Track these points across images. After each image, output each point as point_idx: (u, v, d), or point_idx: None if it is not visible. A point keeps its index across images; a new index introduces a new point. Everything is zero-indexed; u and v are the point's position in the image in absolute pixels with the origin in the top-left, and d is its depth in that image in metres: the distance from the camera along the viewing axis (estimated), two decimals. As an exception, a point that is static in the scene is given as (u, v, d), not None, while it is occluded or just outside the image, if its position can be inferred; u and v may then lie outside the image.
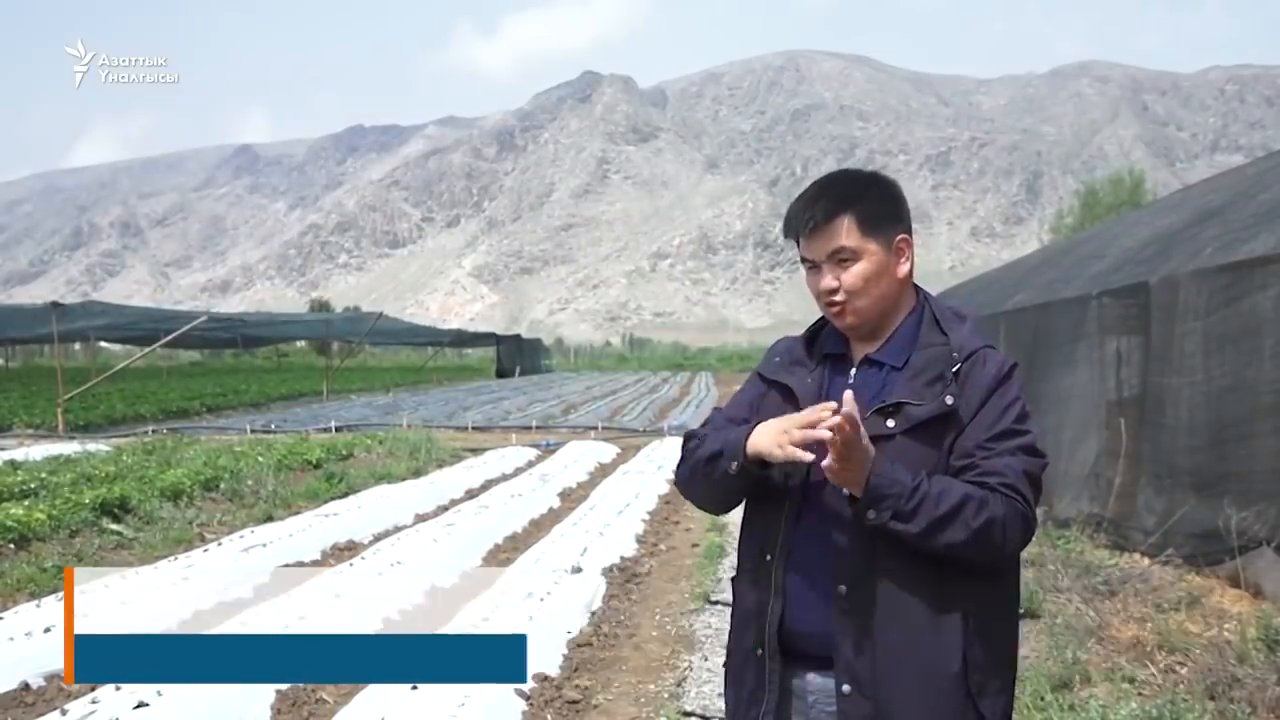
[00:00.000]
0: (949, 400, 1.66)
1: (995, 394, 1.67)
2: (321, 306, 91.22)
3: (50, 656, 4.44)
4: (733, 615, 1.87)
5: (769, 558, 1.76)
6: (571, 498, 9.79)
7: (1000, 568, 1.69)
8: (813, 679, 1.71)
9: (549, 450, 13.68)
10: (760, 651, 1.75)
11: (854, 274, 1.74)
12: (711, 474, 1.77)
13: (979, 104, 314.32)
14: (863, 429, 1.57)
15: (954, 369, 1.69)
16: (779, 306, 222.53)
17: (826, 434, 1.55)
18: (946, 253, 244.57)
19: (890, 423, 1.67)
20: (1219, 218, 6.18)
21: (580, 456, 12.66)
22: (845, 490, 1.63)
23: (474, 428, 17.47)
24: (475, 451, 13.43)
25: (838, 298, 1.75)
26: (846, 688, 1.64)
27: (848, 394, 1.58)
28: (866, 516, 1.60)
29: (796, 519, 1.73)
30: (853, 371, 1.81)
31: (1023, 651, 4.29)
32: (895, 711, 1.61)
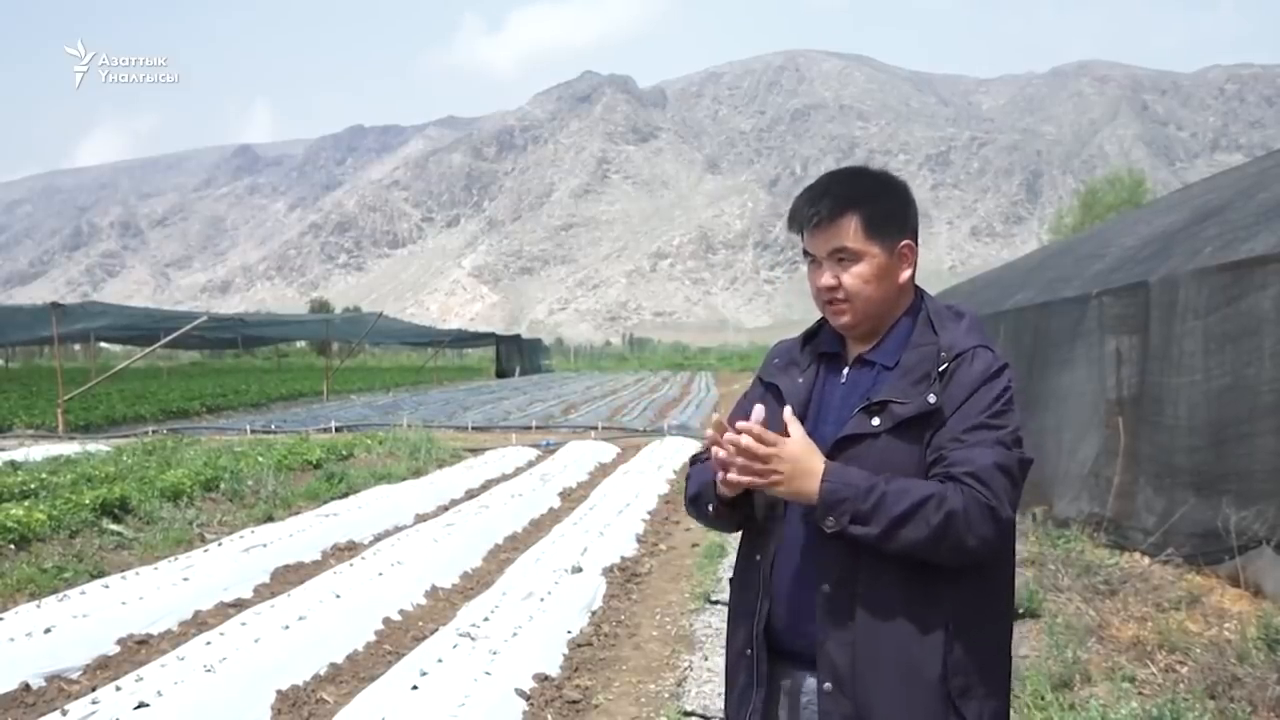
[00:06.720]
0: (931, 399, 1.64)
1: (979, 391, 1.65)
2: (321, 306, 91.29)
3: (51, 657, 4.44)
4: (728, 617, 1.90)
5: (758, 558, 1.78)
6: (571, 497, 9.79)
7: (985, 568, 1.65)
8: (806, 678, 1.72)
9: (549, 450, 13.68)
10: (750, 651, 1.77)
11: (854, 275, 1.73)
12: (701, 513, 1.83)
13: (979, 104, 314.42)
14: (774, 438, 1.58)
15: (940, 368, 1.68)
16: (779, 306, 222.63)
17: (723, 451, 1.60)
18: (946, 252, 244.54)
19: (875, 421, 1.66)
20: (1219, 217, 6.17)
21: (580, 456, 12.65)
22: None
23: (474, 428, 17.46)
24: (475, 451, 13.43)
25: (837, 295, 1.75)
26: (828, 685, 1.65)
27: (758, 408, 1.63)
28: (825, 524, 1.57)
29: (783, 520, 1.74)
30: (845, 370, 1.81)
31: (1023, 651, 4.29)
32: (874, 711, 1.61)
